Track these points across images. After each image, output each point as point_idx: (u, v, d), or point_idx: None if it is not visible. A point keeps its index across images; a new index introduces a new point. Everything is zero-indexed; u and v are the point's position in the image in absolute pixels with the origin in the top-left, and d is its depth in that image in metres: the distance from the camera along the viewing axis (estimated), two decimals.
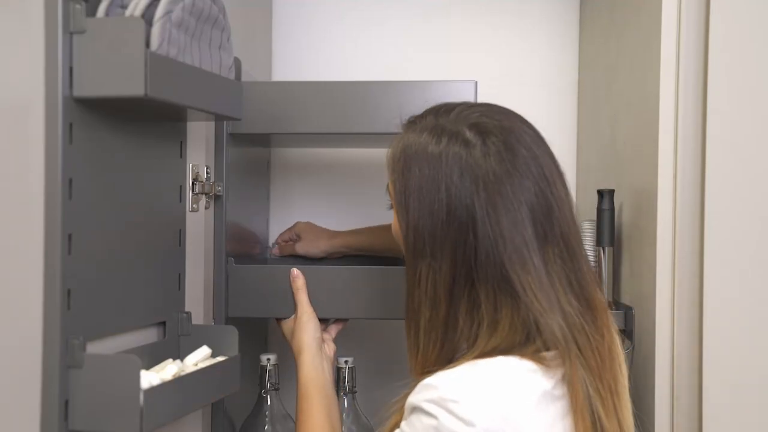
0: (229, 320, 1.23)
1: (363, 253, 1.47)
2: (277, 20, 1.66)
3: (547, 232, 0.85)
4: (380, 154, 1.65)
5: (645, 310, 1.16)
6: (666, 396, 1.11)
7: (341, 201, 1.66)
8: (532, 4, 1.64)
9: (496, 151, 0.85)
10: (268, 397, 1.28)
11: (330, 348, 1.19)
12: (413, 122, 0.92)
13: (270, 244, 1.56)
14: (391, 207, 0.95)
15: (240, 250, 1.34)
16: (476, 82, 1.19)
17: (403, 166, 0.88)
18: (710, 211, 1.08)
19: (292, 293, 1.19)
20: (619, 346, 0.91)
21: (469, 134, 0.86)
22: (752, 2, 1.07)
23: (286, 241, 1.50)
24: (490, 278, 0.83)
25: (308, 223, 1.50)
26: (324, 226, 1.50)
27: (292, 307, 1.19)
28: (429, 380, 0.81)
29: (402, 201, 0.88)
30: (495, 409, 0.78)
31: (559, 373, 0.83)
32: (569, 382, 0.82)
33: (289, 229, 1.50)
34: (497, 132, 0.87)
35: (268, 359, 1.27)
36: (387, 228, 1.41)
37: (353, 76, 1.63)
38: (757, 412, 1.07)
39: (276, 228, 1.64)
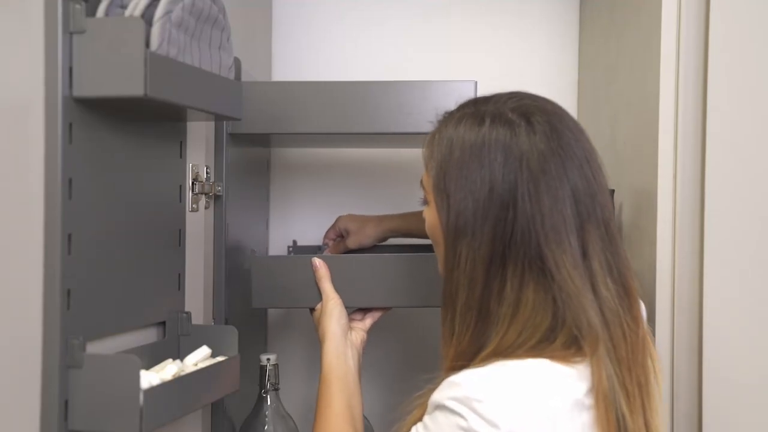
0: (229, 320, 1.23)
1: (409, 236, 1.46)
2: (277, 20, 1.66)
3: (590, 213, 0.84)
4: (380, 154, 1.67)
5: (645, 309, 1.16)
6: (666, 396, 1.11)
7: (341, 201, 1.66)
8: (532, 4, 1.64)
9: (541, 131, 0.85)
10: (268, 397, 1.27)
11: (358, 336, 1.16)
12: (449, 115, 0.92)
13: (290, 243, 1.56)
14: (424, 203, 0.95)
15: (241, 258, 1.34)
16: (476, 82, 1.19)
17: (444, 152, 0.88)
18: (710, 211, 1.08)
19: (316, 283, 1.18)
20: (651, 341, 0.89)
21: (512, 115, 0.86)
22: (752, 2, 1.07)
23: (334, 239, 1.49)
24: (523, 256, 0.82)
25: (350, 215, 1.49)
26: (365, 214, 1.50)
27: (318, 296, 1.18)
28: (454, 378, 0.80)
29: (442, 185, 0.87)
30: (521, 412, 0.76)
31: (589, 378, 0.81)
32: (596, 384, 0.80)
33: (333, 227, 1.49)
34: (540, 113, 0.87)
35: (268, 359, 1.27)
36: None
37: (353, 76, 1.63)
38: (757, 412, 1.07)
39: (276, 228, 1.64)
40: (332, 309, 1.14)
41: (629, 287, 0.86)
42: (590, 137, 0.90)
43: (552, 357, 0.81)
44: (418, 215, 1.44)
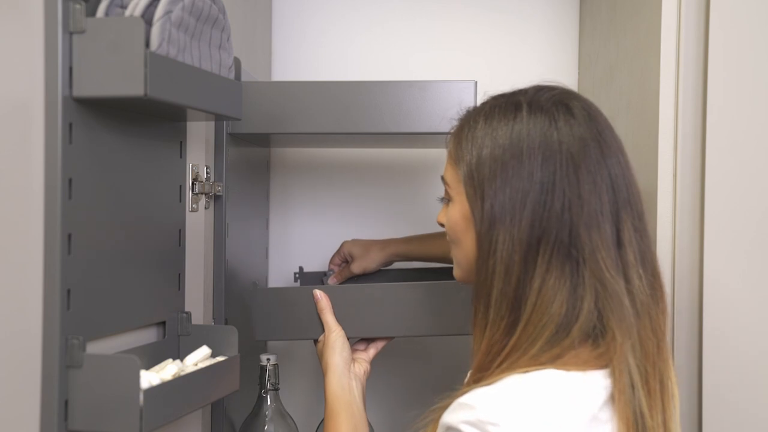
0: (229, 320, 1.23)
1: (412, 260, 1.46)
2: (277, 20, 1.66)
3: (625, 202, 0.84)
4: (380, 154, 1.67)
5: None
6: None
7: (341, 201, 1.66)
8: (532, 4, 1.64)
9: (581, 116, 0.85)
10: (268, 397, 1.28)
11: (361, 367, 1.16)
12: (478, 109, 0.90)
13: (270, 260, 1.55)
14: (443, 199, 0.94)
15: (241, 258, 1.34)
16: (476, 82, 1.19)
17: (478, 147, 0.86)
18: (710, 211, 1.08)
19: (318, 315, 1.18)
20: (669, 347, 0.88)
21: (549, 104, 0.86)
22: (752, 2, 1.07)
23: (339, 265, 1.49)
24: (555, 240, 0.81)
25: (354, 241, 1.49)
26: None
27: (321, 328, 1.17)
28: (466, 398, 0.78)
29: (475, 180, 0.85)
30: None
31: (606, 390, 0.79)
32: (617, 375, 0.79)
33: (338, 253, 1.49)
34: (577, 102, 0.86)
35: (268, 359, 1.27)
36: (437, 236, 1.42)
37: (353, 76, 1.63)
38: (757, 412, 1.07)
39: (276, 228, 1.64)
40: (335, 341, 1.14)
41: (660, 282, 0.85)
42: None
43: (565, 363, 0.80)
44: (422, 239, 1.45)
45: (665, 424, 0.82)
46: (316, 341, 1.19)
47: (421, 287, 1.18)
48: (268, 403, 1.28)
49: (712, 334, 1.07)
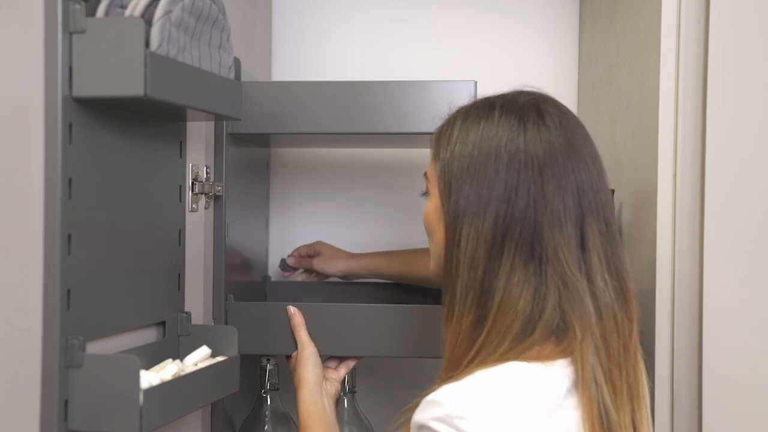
0: (229, 320, 1.23)
1: (380, 277, 1.47)
2: (277, 20, 1.66)
3: (591, 207, 0.84)
4: (380, 154, 1.66)
5: (645, 310, 1.16)
6: (666, 396, 1.11)
7: (341, 201, 1.66)
8: (532, 4, 1.64)
9: (553, 124, 0.86)
10: (268, 397, 1.28)
11: (332, 386, 1.18)
12: (460, 109, 0.92)
13: (270, 260, 1.56)
14: (424, 194, 0.95)
15: (240, 265, 1.34)
16: (476, 82, 1.19)
17: (453, 145, 0.88)
18: (710, 211, 1.08)
19: (291, 331, 1.19)
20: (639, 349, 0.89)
21: (523, 107, 0.87)
22: (752, 2, 1.07)
23: (303, 256, 1.50)
24: (519, 238, 0.83)
25: (328, 244, 1.51)
26: (335, 242, 1.51)
27: (293, 344, 1.19)
28: (434, 396, 0.80)
29: (448, 175, 0.87)
30: (503, 424, 0.77)
31: (568, 378, 0.81)
32: (579, 379, 0.80)
33: (309, 245, 1.51)
34: (552, 107, 0.89)
35: (268, 359, 1.27)
36: (406, 254, 1.43)
37: (353, 76, 1.63)
38: (757, 412, 1.07)
39: (276, 228, 1.64)
40: (307, 358, 1.16)
41: (627, 289, 0.86)
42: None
43: (528, 357, 0.81)
44: (394, 257, 1.45)
45: (635, 426, 0.83)
46: (288, 357, 1.20)
47: (392, 309, 1.20)
48: (268, 403, 1.28)
49: (712, 334, 1.07)
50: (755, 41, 1.08)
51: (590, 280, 0.83)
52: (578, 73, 1.62)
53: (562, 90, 1.63)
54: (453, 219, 0.86)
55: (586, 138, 0.89)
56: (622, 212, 1.29)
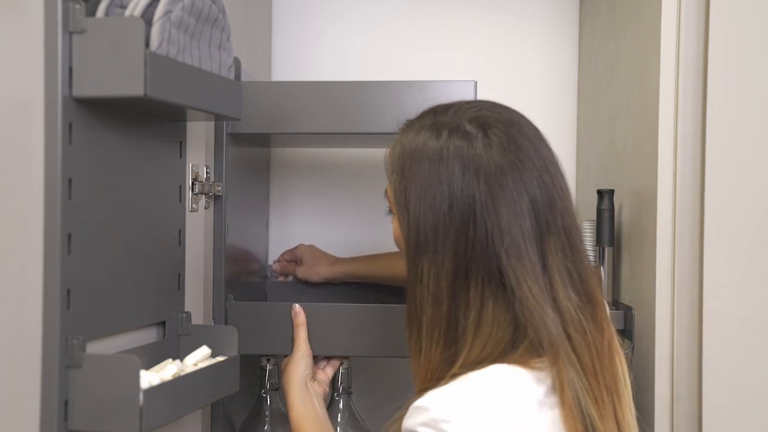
0: (229, 320, 1.23)
1: (364, 280, 1.47)
2: (277, 20, 1.66)
3: (549, 223, 0.83)
4: (380, 154, 1.65)
5: (645, 310, 1.16)
6: (666, 396, 1.11)
7: (341, 201, 1.66)
8: (532, 4, 1.64)
9: (498, 143, 0.84)
10: (268, 397, 1.28)
11: (320, 387, 1.18)
12: (410, 124, 0.91)
13: (270, 260, 1.56)
14: (390, 212, 0.94)
15: (240, 265, 1.34)
16: (476, 82, 1.19)
17: (402, 165, 0.87)
18: (710, 211, 1.08)
19: (293, 329, 1.19)
20: (617, 340, 0.89)
21: (469, 127, 0.85)
22: (752, 2, 1.07)
23: (288, 261, 1.51)
24: (484, 271, 0.82)
25: (310, 247, 1.51)
26: (324, 246, 1.52)
27: (292, 344, 1.19)
28: (420, 402, 0.80)
29: (402, 200, 0.86)
30: (488, 425, 0.77)
31: (549, 379, 0.81)
32: (558, 387, 0.80)
33: (291, 250, 1.51)
34: (498, 124, 0.86)
35: (268, 359, 1.27)
36: (389, 256, 1.42)
37: (353, 76, 1.63)
38: (757, 412, 1.07)
39: (276, 228, 1.64)
40: (299, 359, 1.16)
41: (591, 294, 0.86)
42: (552, 144, 0.89)
43: (512, 362, 0.81)
44: (378, 260, 1.45)
45: (619, 425, 0.83)
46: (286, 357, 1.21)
47: (378, 309, 1.20)
48: (268, 403, 1.28)
49: (712, 334, 1.07)
50: (755, 41, 1.08)
51: (555, 303, 0.83)
52: (578, 73, 1.63)
53: (562, 90, 1.63)
54: (413, 256, 0.86)
55: (537, 145, 0.86)
56: (622, 212, 1.29)
